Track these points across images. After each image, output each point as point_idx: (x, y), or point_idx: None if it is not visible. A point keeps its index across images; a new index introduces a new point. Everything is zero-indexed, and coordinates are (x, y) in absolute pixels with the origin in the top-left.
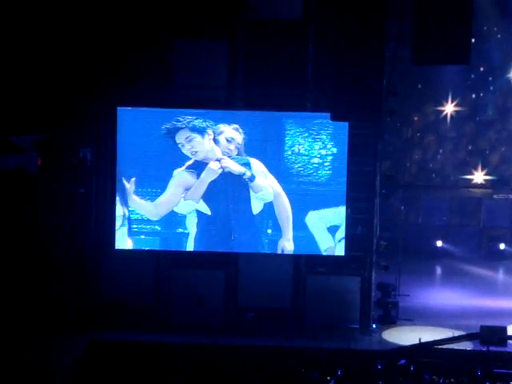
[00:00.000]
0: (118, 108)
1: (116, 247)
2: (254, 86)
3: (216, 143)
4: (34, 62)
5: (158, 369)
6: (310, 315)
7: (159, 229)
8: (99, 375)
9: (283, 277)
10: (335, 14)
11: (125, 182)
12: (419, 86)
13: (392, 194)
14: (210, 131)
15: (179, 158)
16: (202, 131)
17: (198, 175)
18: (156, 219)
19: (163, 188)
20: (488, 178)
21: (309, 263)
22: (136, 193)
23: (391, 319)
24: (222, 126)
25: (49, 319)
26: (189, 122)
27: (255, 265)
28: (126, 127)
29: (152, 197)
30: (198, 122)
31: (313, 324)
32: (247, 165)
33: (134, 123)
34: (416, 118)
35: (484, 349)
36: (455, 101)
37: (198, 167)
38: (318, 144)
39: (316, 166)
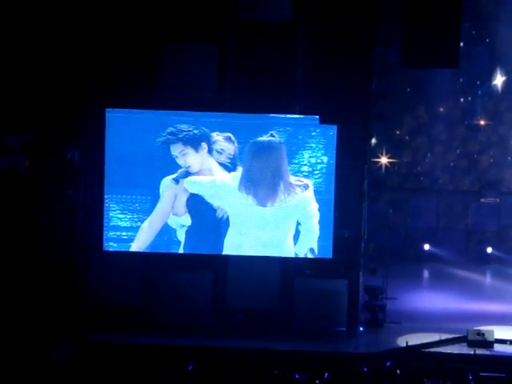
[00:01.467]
0: (107, 110)
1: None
2: (242, 89)
3: (210, 154)
4: (22, 64)
5: (145, 370)
6: (297, 318)
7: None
8: (87, 376)
9: (271, 279)
10: (324, 17)
11: None
12: (408, 89)
13: (380, 197)
14: (204, 145)
15: (170, 163)
16: (195, 145)
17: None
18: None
19: (152, 195)
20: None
21: (296, 266)
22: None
23: (378, 322)
24: (215, 135)
25: (36, 320)
26: (184, 135)
27: (243, 267)
28: (114, 130)
29: (141, 203)
30: (192, 135)
31: (300, 326)
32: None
33: (123, 126)
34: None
35: (471, 352)
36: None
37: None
38: (307, 152)
39: (306, 173)
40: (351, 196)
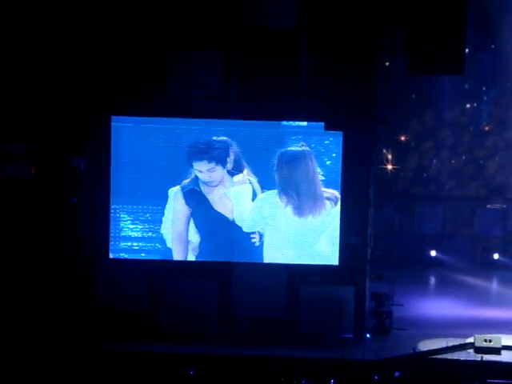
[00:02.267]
0: (113, 117)
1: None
2: (248, 96)
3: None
4: (27, 71)
5: (151, 378)
6: (304, 325)
7: (159, 246)
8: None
9: (277, 286)
10: (329, 23)
11: None
12: (413, 95)
13: (386, 204)
14: (229, 160)
15: (182, 172)
16: (224, 163)
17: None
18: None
19: (163, 205)
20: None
21: (302, 273)
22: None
23: (385, 329)
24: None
25: (42, 328)
26: (216, 153)
27: (249, 274)
28: (120, 138)
29: (153, 213)
30: (223, 153)
31: (307, 333)
32: None
33: (131, 134)
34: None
35: (478, 358)
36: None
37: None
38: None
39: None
40: (357, 203)
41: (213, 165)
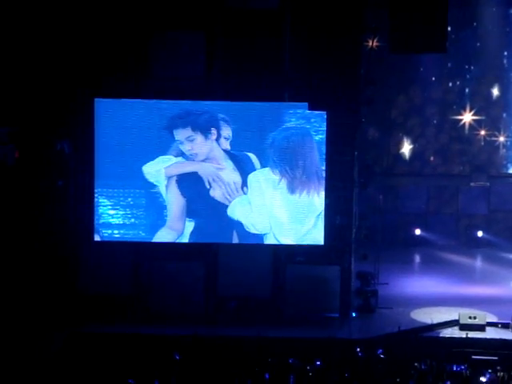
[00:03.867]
0: (96, 99)
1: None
2: (231, 76)
3: (217, 142)
4: (9, 55)
5: (138, 360)
6: (290, 304)
7: (143, 234)
8: (79, 366)
9: (263, 267)
10: (311, 4)
11: None
12: (395, 75)
13: (370, 183)
14: (213, 130)
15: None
16: (205, 131)
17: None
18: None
19: (146, 187)
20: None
21: (288, 253)
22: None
23: (371, 308)
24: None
25: (27, 311)
26: (193, 119)
27: (235, 255)
28: (104, 119)
29: (135, 198)
30: (202, 119)
31: (293, 313)
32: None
33: (114, 115)
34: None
35: (463, 335)
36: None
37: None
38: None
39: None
40: (342, 182)
41: (191, 132)
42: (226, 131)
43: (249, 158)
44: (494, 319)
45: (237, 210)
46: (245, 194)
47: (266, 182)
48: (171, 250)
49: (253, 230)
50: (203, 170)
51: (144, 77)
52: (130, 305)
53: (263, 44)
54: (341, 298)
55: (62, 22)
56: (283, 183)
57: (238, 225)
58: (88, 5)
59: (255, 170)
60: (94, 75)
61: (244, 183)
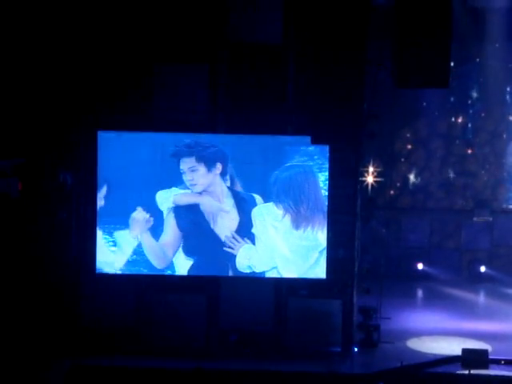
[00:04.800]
0: (99, 132)
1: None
2: (234, 110)
3: (222, 178)
4: (13, 86)
5: None
6: (291, 338)
7: (145, 271)
8: None
9: (264, 300)
10: (315, 38)
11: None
12: (398, 109)
13: (373, 217)
14: (219, 165)
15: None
16: (209, 164)
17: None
18: (162, 266)
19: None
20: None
21: (290, 286)
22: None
23: (373, 342)
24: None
25: (29, 344)
26: (199, 150)
27: (237, 288)
28: (107, 152)
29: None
30: (208, 152)
31: (294, 347)
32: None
33: (116, 148)
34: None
35: (466, 372)
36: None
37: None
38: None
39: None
40: (344, 216)
41: (195, 163)
42: (232, 168)
43: (253, 198)
44: (497, 356)
45: (241, 256)
46: (246, 242)
47: (269, 216)
48: (173, 282)
49: (256, 270)
50: (206, 204)
51: (147, 109)
52: (131, 337)
53: (267, 78)
54: (343, 332)
55: (65, 53)
56: (287, 218)
57: (241, 266)
58: (92, 36)
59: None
60: (97, 107)
61: (241, 224)
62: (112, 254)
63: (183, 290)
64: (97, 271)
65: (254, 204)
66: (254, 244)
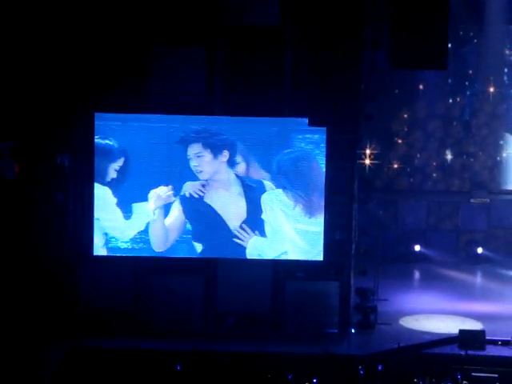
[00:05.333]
0: (96, 114)
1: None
2: (231, 92)
3: (230, 165)
4: (9, 69)
5: (137, 375)
6: (289, 320)
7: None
8: (79, 381)
9: (262, 282)
10: (312, 20)
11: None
12: (396, 91)
13: (370, 198)
14: (225, 153)
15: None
16: (215, 151)
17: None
18: (162, 249)
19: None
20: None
21: (287, 268)
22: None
23: (370, 324)
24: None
25: (27, 326)
26: (206, 137)
27: (234, 270)
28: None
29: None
30: (215, 139)
31: (292, 329)
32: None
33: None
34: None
35: (463, 353)
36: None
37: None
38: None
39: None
40: (342, 197)
41: (200, 149)
42: (239, 156)
43: (262, 184)
44: (493, 336)
45: (250, 247)
46: (255, 234)
47: (279, 202)
48: (171, 263)
49: (266, 257)
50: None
51: (144, 91)
52: (129, 319)
53: (264, 60)
54: (340, 314)
55: (61, 35)
56: (298, 206)
57: (251, 256)
58: (88, 18)
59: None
60: (94, 89)
61: (249, 211)
62: (125, 222)
63: (181, 273)
64: (94, 252)
65: (263, 190)
66: (263, 231)
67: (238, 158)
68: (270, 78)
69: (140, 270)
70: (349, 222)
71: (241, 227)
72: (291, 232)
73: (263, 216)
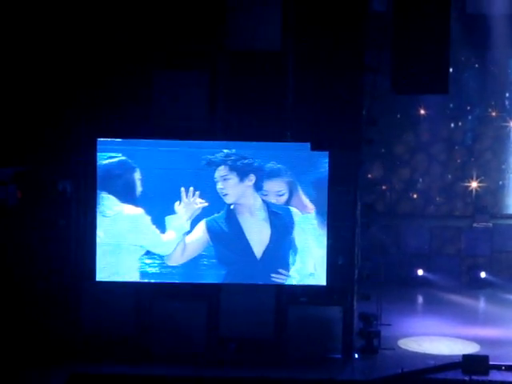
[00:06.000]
0: (98, 140)
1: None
2: (234, 117)
3: (256, 189)
4: (12, 95)
5: None
6: (291, 345)
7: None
8: None
9: (265, 307)
10: (313, 45)
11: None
12: (398, 115)
13: (372, 223)
14: (252, 177)
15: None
16: (242, 174)
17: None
18: (177, 264)
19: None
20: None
21: (290, 294)
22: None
23: (373, 349)
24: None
25: (29, 351)
26: (233, 160)
27: (237, 295)
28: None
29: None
30: (243, 163)
31: (295, 354)
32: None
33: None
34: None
35: (466, 378)
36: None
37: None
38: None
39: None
40: (344, 222)
41: (227, 172)
42: (267, 182)
43: (288, 211)
44: (497, 362)
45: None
46: (288, 276)
47: (307, 226)
48: (173, 289)
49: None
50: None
51: (146, 117)
52: (131, 344)
53: (266, 85)
54: (343, 339)
55: (63, 62)
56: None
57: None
58: (91, 44)
59: (293, 222)
60: (96, 115)
61: (272, 238)
62: (161, 236)
63: (183, 298)
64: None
65: (290, 217)
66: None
67: (268, 186)
68: (272, 102)
69: (142, 296)
70: (352, 246)
71: (277, 272)
72: (318, 254)
73: (296, 243)
